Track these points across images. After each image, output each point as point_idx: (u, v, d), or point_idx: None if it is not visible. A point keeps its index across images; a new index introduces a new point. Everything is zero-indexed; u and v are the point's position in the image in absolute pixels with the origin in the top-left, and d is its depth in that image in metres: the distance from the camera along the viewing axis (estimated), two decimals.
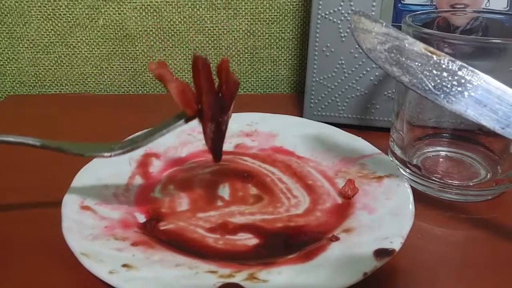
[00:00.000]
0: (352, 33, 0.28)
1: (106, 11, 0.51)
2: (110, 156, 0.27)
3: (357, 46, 0.41)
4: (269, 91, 0.57)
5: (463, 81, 0.25)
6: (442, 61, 0.25)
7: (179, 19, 0.52)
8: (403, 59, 0.26)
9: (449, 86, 0.25)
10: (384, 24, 0.27)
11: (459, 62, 0.25)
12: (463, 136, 0.35)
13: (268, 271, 0.23)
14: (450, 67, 0.25)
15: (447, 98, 0.25)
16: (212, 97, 0.26)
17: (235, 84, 0.27)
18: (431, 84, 0.25)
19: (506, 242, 0.28)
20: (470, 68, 0.25)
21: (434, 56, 0.26)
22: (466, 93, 0.25)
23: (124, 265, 0.23)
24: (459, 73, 0.25)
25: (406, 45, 0.26)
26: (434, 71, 0.26)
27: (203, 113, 0.26)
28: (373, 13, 0.40)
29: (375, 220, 0.27)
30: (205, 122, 0.27)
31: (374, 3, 0.40)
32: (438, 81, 0.25)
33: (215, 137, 0.27)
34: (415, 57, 0.26)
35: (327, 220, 0.28)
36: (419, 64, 0.26)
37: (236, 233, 0.27)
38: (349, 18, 0.40)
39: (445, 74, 0.25)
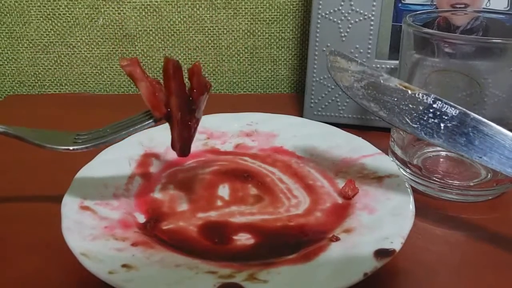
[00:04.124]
0: (329, 72, 0.29)
1: (106, 11, 0.51)
2: (72, 150, 0.26)
3: (357, 46, 0.41)
4: (269, 91, 0.56)
5: (438, 113, 0.26)
6: (416, 95, 0.26)
7: (179, 19, 0.52)
8: (380, 95, 0.27)
9: (425, 118, 0.26)
10: (359, 62, 0.28)
11: (433, 95, 0.26)
12: None
13: (268, 271, 0.23)
14: (425, 100, 0.26)
15: (424, 130, 0.26)
16: (181, 101, 0.26)
17: (206, 87, 0.27)
18: (408, 118, 0.26)
19: (506, 242, 0.28)
20: (444, 100, 0.26)
21: (409, 91, 0.26)
22: (442, 125, 0.26)
23: (124, 265, 0.23)
24: (434, 105, 0.26)
25: (382, 81, 0.27)
26: (410, 105, 0.26)
27: (172, 116, 0.26)
28: (373, 13, 0.40)
29: (375, 220, 0.27)
30: (174, 125, 0.27)
31: (374, 3, 0.40)
32: (415, 114, 0.26)
33: (184, 139, 0.27)
34: (391, 93, 0.27)
35: (327, 220, 0.28)
36: (395, 99, 0.27)
37: (236, 233, 0.27)
38: (349, 18, 0.40)
39: (420, 107, 0.26)
